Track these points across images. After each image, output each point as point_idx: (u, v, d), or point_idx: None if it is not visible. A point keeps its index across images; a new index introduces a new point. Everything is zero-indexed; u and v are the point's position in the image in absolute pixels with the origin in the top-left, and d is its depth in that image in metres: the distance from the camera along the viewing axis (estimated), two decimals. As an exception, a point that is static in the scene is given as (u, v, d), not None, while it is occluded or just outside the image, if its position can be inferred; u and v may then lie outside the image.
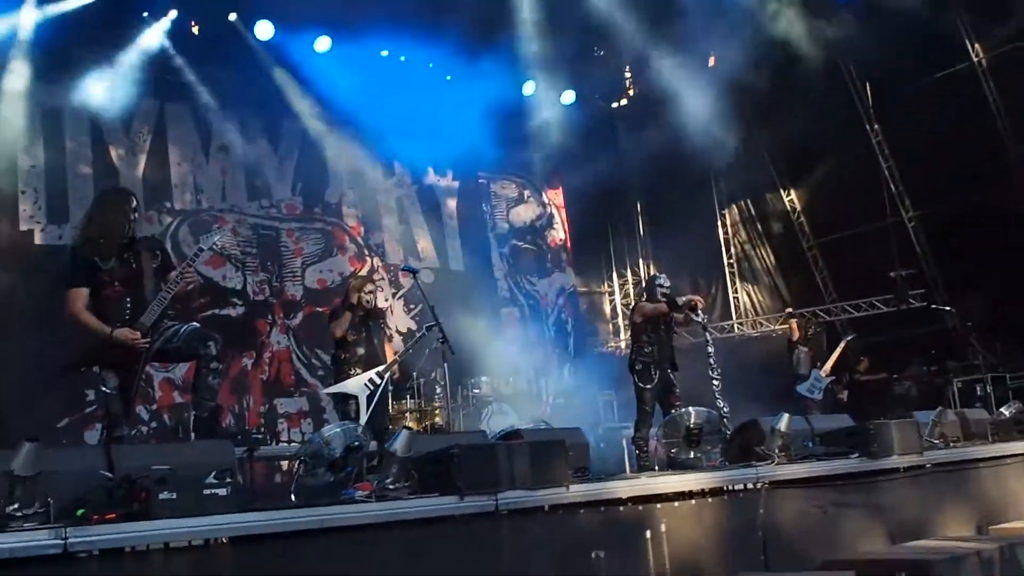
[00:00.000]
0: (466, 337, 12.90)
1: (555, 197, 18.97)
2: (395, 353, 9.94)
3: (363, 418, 9.07)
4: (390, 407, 12.86)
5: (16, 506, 4.43)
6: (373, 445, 7.17)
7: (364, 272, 10.09)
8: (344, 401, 9.45)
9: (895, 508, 7.74)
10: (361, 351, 9.59)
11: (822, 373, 14.08)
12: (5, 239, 12.49)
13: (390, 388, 13.34)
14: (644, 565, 6.22)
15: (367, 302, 9.74)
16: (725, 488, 7.03)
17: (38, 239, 12.64)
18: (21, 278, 12.35)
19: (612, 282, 20.04)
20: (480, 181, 17.93)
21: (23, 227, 12.58)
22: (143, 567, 4.51)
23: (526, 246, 18.25)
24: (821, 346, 14.59)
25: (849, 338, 14.86)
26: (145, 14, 13.42)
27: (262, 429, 8.88)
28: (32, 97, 12.72)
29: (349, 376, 9.43)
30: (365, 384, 9.38)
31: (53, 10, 12.54)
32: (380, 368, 9.48)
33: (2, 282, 12.23)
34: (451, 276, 16.51)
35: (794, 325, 14.74)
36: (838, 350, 14.46)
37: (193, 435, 8.41)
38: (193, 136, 14.09)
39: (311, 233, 15.23)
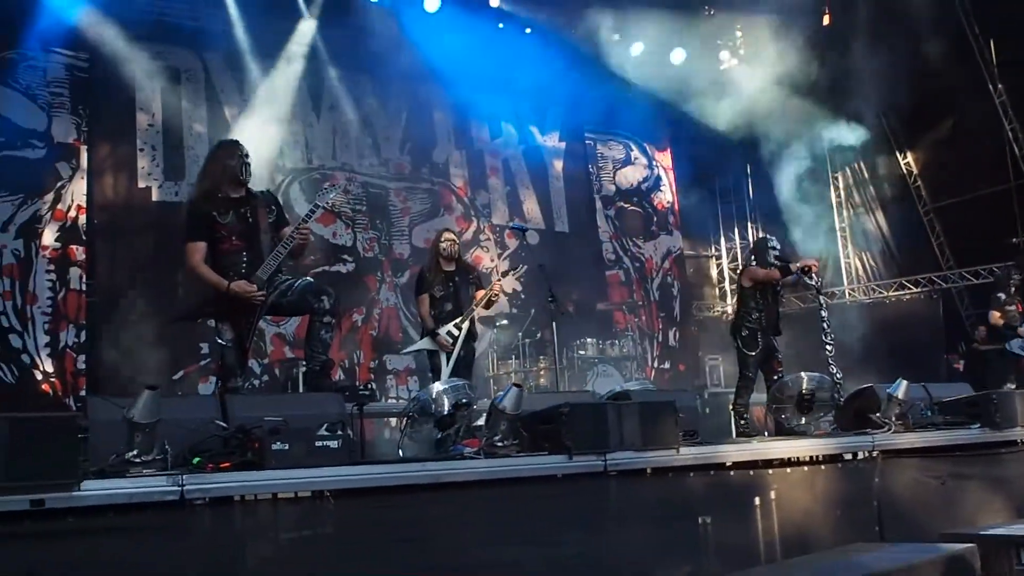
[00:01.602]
0: (571, 299, 12.87)
1: (663, 159, 18.74)
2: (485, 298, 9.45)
3: (445, 373, 8.95)
4: (495, 367, 12.94)
5: (135, 452, 4.50)
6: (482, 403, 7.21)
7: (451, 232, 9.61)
8: (430, 357, 9.33)
9: (1018, 482, 7.49)
10: (449, 307, 9.31)
11: None
12: (124, 196, 12.75)
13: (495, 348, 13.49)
14: (752, 532, 6.14)
15: (444, 251, 9.42)
16: (839, 456, 6.89)
17: (155, 195, 12.86)
18: (139, 234, 12.66)
19: (719, 246, 19.80)
20: (587, 142, 17.77)
21: (141, 184, 12.81)
22: (252, 516, 4.56)
23: (632, 208, 18.08)
24: None
25: None
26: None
27: (371, 385, 8.92)
28: (151, 56, 12.94)
29: (436, 333, 9.20)
30: (444, 337, 9.12)
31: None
32: (457, 320, 9.18)
33: (121, 238, 12.56)
34: (556, 238, 16.43)
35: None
36: None
37: (304, 388, 8.57)
38: (304, 95, 14.19)
39: (418, 193, 15.26)
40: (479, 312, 9.41)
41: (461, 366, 9.16)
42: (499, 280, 9.63)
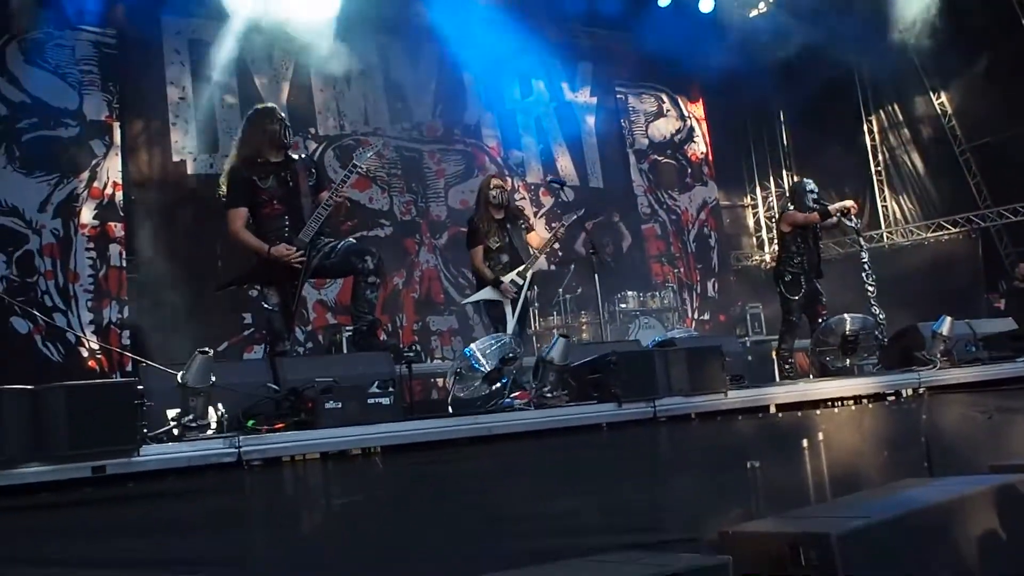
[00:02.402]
0: (609, 253, 12.88)
1: (695, 109, 18.61)
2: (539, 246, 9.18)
3: (511, 324, 8.75)
4: (536, 323, 12.95)
5: (191, 417, 4.56)
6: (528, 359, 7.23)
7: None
8: (490, 308, 8.97)
9: (1064, 412, 7.48)
10: (505, 258, 8.95)
11: None
12: (159, 170, 12.82)
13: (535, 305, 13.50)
14: (802, 473, 6.17)
15: (494, 198, 8.99)
16: (885, 394, 6.89)
17: (190, 168, 12.93)
18: (176, 208, 12.75)
19: (755, 195, 19.68)
20: (618, 96, 17.67)
21: (175, 158, 12.87)
22: (307, 475, 4.64)
23: (666, 160, 17.98)
24: None
25: None
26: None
27: (416, 346, 8.89)
28: (178, 29, 12.99)
29: (499, 282, 8.83)
30: (508, 285, 8.83)
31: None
32: (520, 268, 8.89)
33: (158, 212, 12.62)
34: (592, 193, 16.37)
35: None
36: None
37: (351, 349, 8.58)
38: (333, 62, 14.16)
39: (452, 155, 15.26)
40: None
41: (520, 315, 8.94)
42: (561, 225, 9.27)
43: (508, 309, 8.84)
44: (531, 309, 12.54)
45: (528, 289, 9.09)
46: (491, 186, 9.08)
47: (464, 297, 14.33)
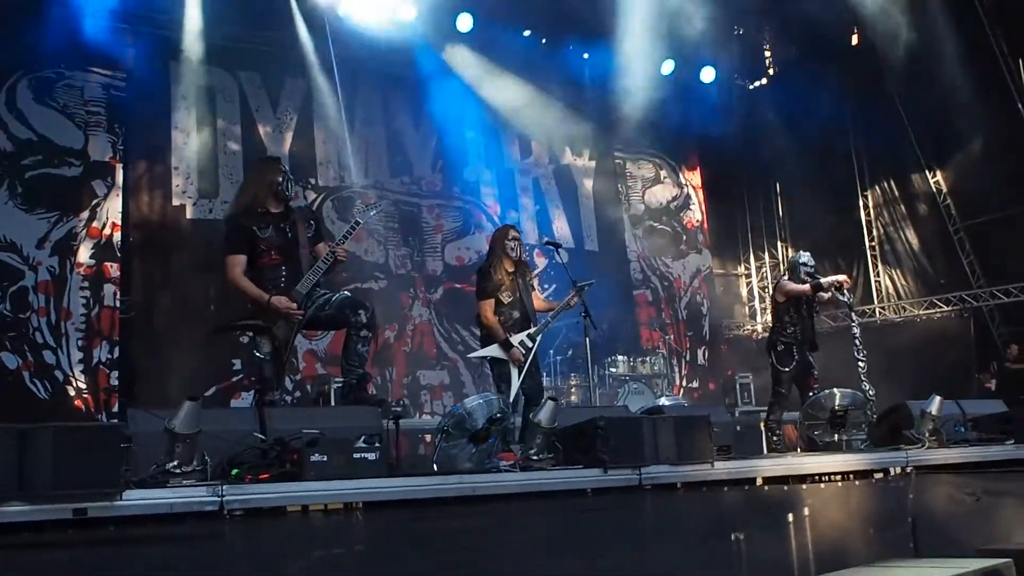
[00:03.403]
0: (601, 316, 12.87)
1: (693, 177, 18.75)
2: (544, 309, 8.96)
3: (515, 386, 8.47)
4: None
5: (176, 463, 4.56)
6: (516, 420, 7.21)
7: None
8: (496, 365, 8.66)
9: (1053, 497, 7.47)
10: (517, 315, 8.66)
11: None
12: (159, 213, 12.90)
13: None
14: (786, 547, 6.13)
15: (511, 250, 8.71)
16: (873, 471, 6.88)
17: (189, 213, 13.01)
18: (173, 251, 12.83)
19: (749, 264, 19.75)
20: (616, 161, 17.81)
21: (175, 202, 12.96)
22: (290, 527, 4.60)
23: (661, 227, 18.09)
24: None
25: None
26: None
27: (404, 401, 8.86)
28: (186, 75, 13.13)
29: (510, 344, 8.53)
30: (519, 350, 8.52)
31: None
32: (531, 331, 8.61)
33: (155, 255, 12.71)
34: (586, 257, 16.44)
35: None
36: None
37: (339, 402, 8.55)
38: (337, 114, 14.28)
39: (450, 211, 15.37)
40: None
41: (528, 380, 8.64)
42: (573, 291, 8.86)
43: (514, 371, 8.56)
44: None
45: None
46: (509, 236, 8.81)
47: (456, 353, 14.42)
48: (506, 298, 8.67)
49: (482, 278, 8.80)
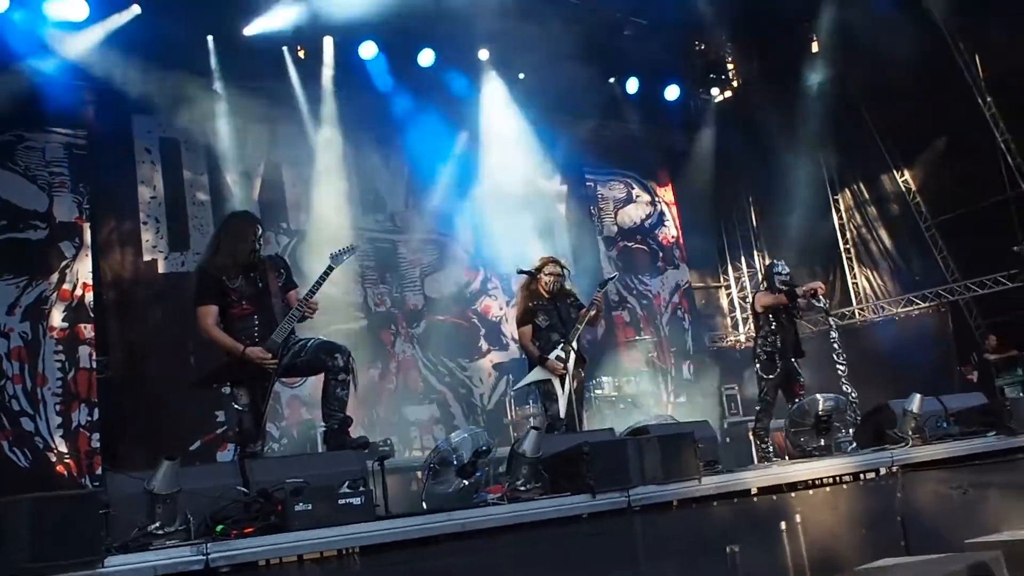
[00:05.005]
0: (583, 339, 12.90)
1: (665, 194, 18.80)
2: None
3: (562, 401, 8.59)
4: (513, 413, 12.90)
5: (158, 524, 4.53)
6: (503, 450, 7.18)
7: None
8: (541, 386, 8.85)
9: (1040, 486, 7.49)
10: (556, 336, 8.84)
11: None
12: (130, 270, 12.82)
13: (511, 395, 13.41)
14: (780, 556, 6.12)
15: (546, 284, 9.01)
16: (860, 474, 6.89)
17: (161, 268, 12.94)
18: (148, 307, 12.75)
19: (728, 275, 19.81)
20: (587, 183, 17.84)
21: (147, 257, 12.89)
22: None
23: (637, 246, 18.12)
24: None
25: None
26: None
27: (390, 440, 8.79)
28: (149, 128, 13.10)
29: (544, 359, 8.75)
30: (555, 361, 8.69)
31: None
32: (563, 344, 8.75)
33: (130, 312, 12.65)
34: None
35: None
36: None
37: (324, 447, 8.53)
38: (305, 156, 14.29)
39: (426, 244, 15.36)
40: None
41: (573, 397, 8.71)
42: (599, 292, 9.09)
43: (557, 386, 8.72)
44: (495, 406, 12.51)
45: (583, 365, 9.03)
46: (547, 271, 9.09)
47: (444, 385, 14.41)
48: (543, 322, 8.91)
49: (518, 307, 9.27)
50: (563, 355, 8.74)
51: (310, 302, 6.66)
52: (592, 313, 8.91)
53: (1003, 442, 7.50)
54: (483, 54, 15.41)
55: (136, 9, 12.47)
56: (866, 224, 18.11)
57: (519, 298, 9.35)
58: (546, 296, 9.01)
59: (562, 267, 9.23)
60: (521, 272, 9.44)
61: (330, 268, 6.83)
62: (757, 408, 10.13)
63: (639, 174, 18.58)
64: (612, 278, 9.20)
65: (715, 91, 18.71)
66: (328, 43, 14.28)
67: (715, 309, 19.75)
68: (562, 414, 8.58)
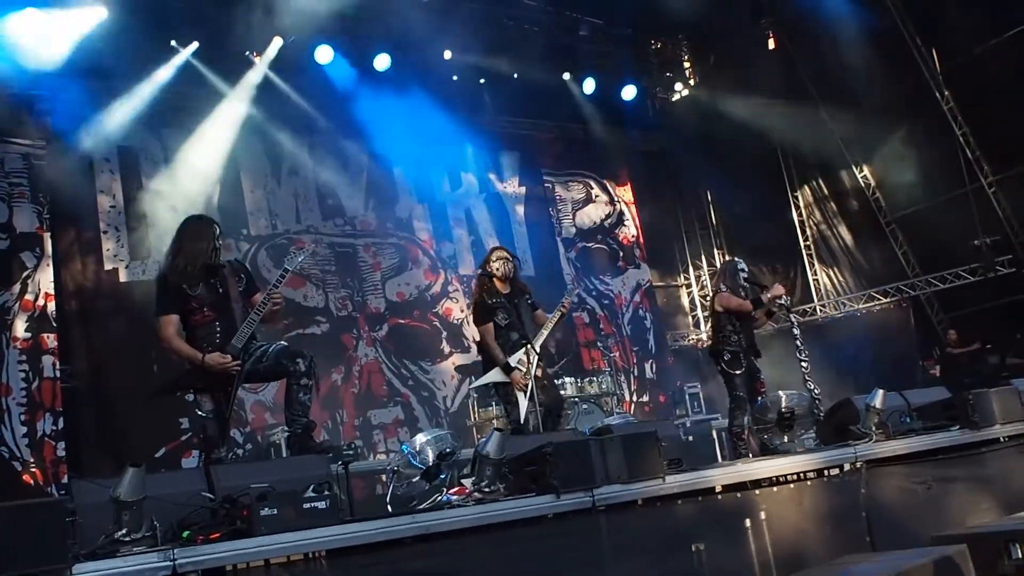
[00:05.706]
0: (545, 341, 12.94)
1: (624, 193, 18.84)
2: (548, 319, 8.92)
3: (523, 409, 8.51)
4: (476, 415, 12.90)
5: (124, 531, 4.52)
6: (466, 451, 7.18)
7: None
8: (501, 390, 8.78)
9: (1003, 479, 7.57)
10: (516, 336, 8.73)
11: None
12: (92, 279, 12.75)
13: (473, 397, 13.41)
14: (746, 554, 6.16)
15: (498, 270, 8.85)
16: (824, 470, 6.94)
17: (123, 276, 12.87)
18: (110, 316, 12.67)
19: (688, 274, 19.91)
20: (546, 184, 17.87)
21: (108, 266, 12.82)
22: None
23: (597, 246, 18.16)
24: None
25: None
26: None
27: (354, 444, 8.76)
28: (108, 137, 12.99)
29: (510, 367, 8.58)
30: (517, 368, 8.57)
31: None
32: (525, 348, 8.61)
33: (93, 321, 12.57)
34: (525, 282, 16.39)
35: None
36: None
37: (288, 452, 8.51)
38: (263, 163, 14.25)
39: (386, 248, 15.34)
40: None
41: (546, 414, 8.63)
42: (567, 298, 9.04)
43: (519, 393, 8.63)
44: (459, 409, 12.48)
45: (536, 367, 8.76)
46: (495, 258, 8.96)
47: (408, 388, 14.40)
48: (502, 320, 8.76)
49: (476, 306, 8.99)
50: (524, 358, 8.63)
51: (274, 295, 6.66)
52: (557, 317, 8.87)
53: (966, 436, 7.55)
54: (447, 54, 15.37)
55: (96, 18, 12.35)
56: (826, 220, 18.26)
57: (475, 296, 9.14)
58: (502, 290, 8.88)
59: (509, 254, 9.11)
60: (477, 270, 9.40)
61: (285, 271, 6.85)
62: (731, 406, 9.99)
63: (598, 174, 18.62)
64: (575, 290, 9.05)
65: (673, 88, 18.82)
66: (277, 43, 14.14)
67: (676, 308, 19.83)
68: (522, 420, 8.54)
